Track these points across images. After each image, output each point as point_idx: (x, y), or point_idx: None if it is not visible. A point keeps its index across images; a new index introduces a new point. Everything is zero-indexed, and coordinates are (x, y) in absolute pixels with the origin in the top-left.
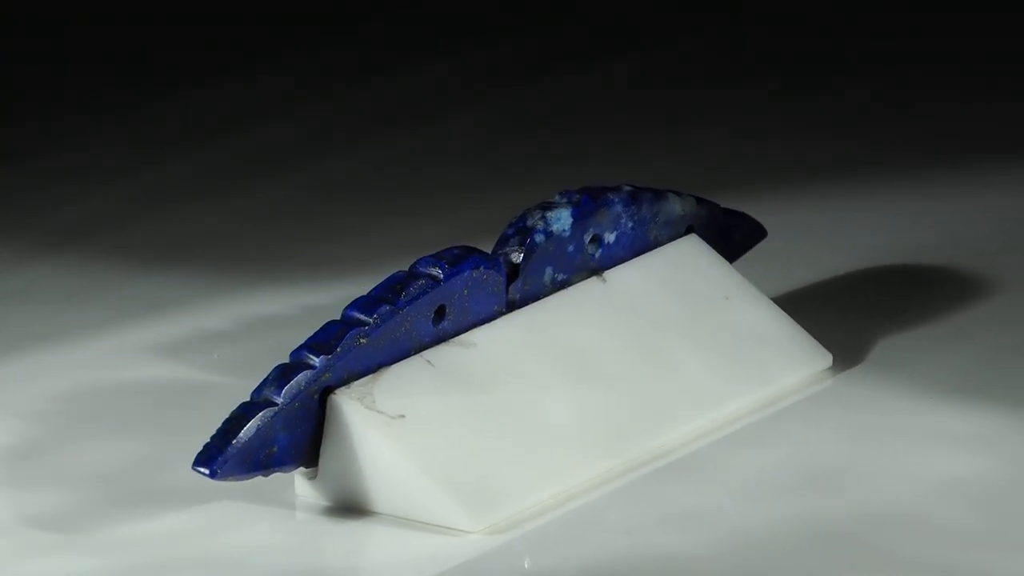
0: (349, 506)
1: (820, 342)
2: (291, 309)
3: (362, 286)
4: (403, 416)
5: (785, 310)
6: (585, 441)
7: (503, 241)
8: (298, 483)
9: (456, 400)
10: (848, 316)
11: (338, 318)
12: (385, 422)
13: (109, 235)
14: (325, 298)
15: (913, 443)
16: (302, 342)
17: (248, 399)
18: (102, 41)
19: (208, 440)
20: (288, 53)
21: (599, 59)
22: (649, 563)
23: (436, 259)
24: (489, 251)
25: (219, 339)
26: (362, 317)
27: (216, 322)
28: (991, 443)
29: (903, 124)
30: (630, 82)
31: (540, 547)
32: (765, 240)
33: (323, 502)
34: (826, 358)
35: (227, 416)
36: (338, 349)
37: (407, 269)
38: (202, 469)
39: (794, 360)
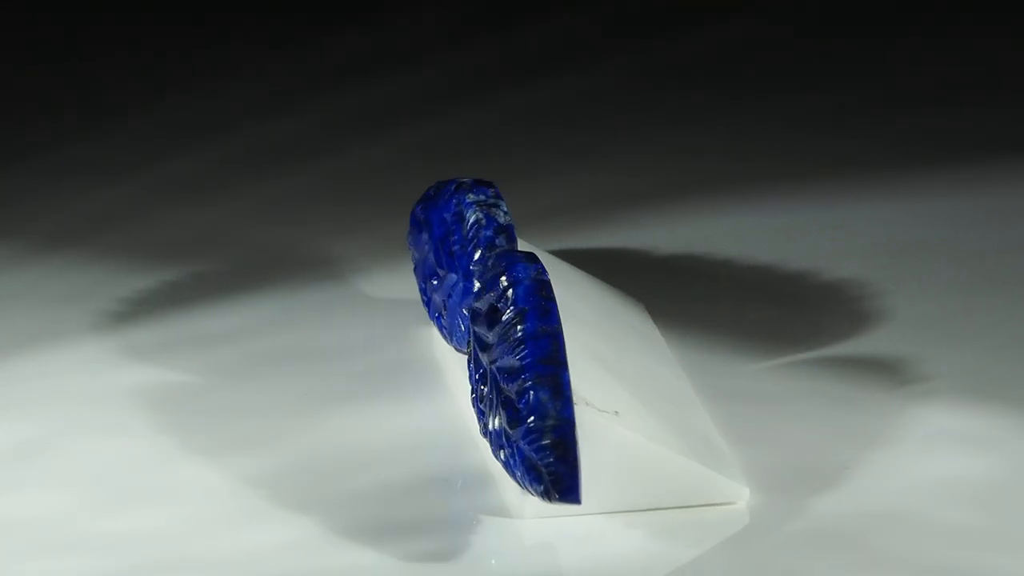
0: (585, 511)
1: (818, 341)
2: (291, 309)
3: (367, 285)
4: (617, 412)
5: (783, 310)
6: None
7: (486, 241)
8: (526, 504)
9: (607, 391)
10: (846, 315)
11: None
12: (617, 420)
13: (109, 235)
14: (324, 297)
15: (913, 443)
16: (528, 360)
17: (541, 421)
18: (102, 41)
19: (553, 470)
20: (286, 52)
21: (597, 58)
22: (649, 563)
23: (527, 263)
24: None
25: (219, 339)
26: (552, 327)
27: (216, 322)
28: (991, 443)
29: (901, 123)
30: (625, 81)
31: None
32: (766, 236)
33: (558, 514)
34: (639, 303)
35: (543, 443)
36: (562, 359)
37: (520, 275)
38: (572, 499)
39: (639, 313)
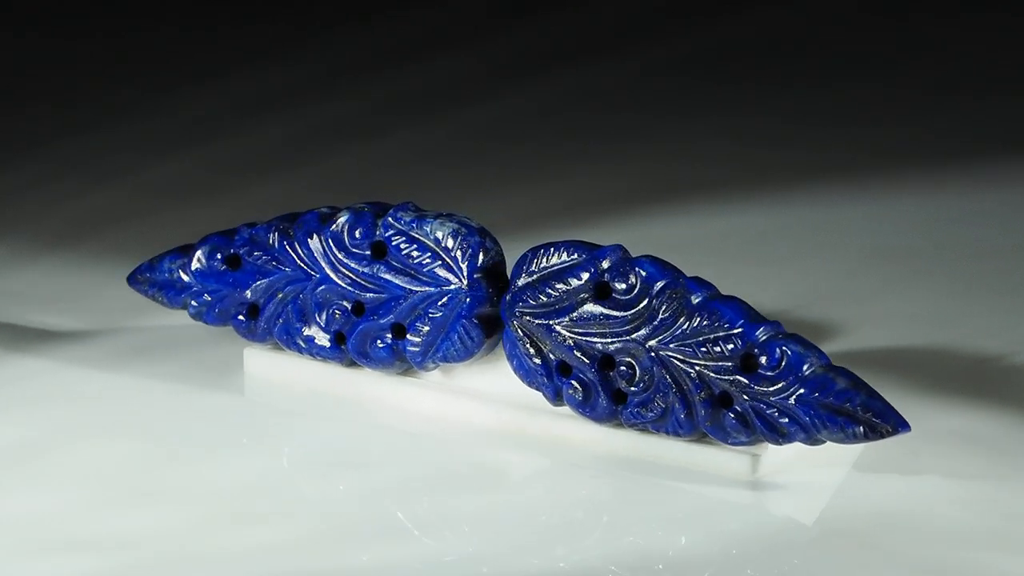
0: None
1: (815, 341)
2: None
3: None
4: None
5: (783, 310)
6: None
7: (479, 247)
8: (759, 464)
9: None
10: (846, 316)
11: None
12: None
13: (109, 235)
14: None
15: (913, 443)
16: (741, 322)
17: (811, 370)
18: (102, 41)
19: (872, 406)
20: (285, 52)
21: (589, 60)
22: (649, 563)
23: (606, 246)
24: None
25: (219, 337)
26: (716, 290)
27: None
28: (990, 443)
29: (902, 124)
30: (624, 81)
31: None
32: (762, 240)
33: (781, 470)
34: None
35: (842, 387)
36: (760, 314)
37: (617, 256)
38: (904, 427)
39: None
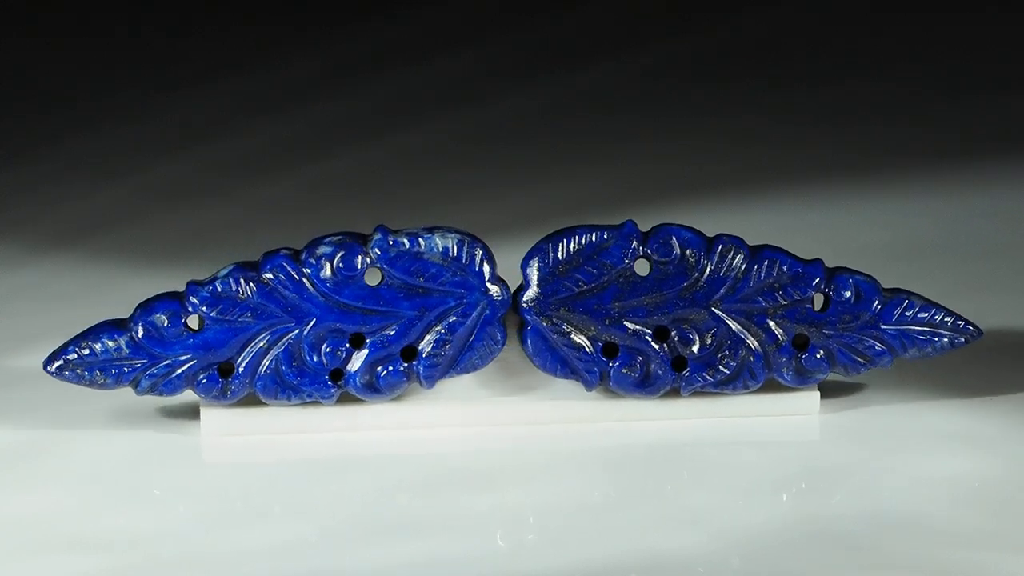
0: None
1: None
2: None
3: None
4: None
5: None
6: None
7: (485, 251)
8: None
9: None
10: None
11: None
12: None
13: (109, 235)
14: None
15: (913, 443)
16: (797, 266)
17: (882, 296)
18: (102, 41)
19: (953, 319)
20: (285, 53)
21: (589, 61)
22: (649, 563)
23: (628, 226)
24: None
25: None
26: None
27: None
28: (991, 443)
29: (902, 124)
30: (624, 81)
31: None
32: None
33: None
34: None
35: (921, 304)
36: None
37: (635, 232)
38: (980, 334)
39: None
